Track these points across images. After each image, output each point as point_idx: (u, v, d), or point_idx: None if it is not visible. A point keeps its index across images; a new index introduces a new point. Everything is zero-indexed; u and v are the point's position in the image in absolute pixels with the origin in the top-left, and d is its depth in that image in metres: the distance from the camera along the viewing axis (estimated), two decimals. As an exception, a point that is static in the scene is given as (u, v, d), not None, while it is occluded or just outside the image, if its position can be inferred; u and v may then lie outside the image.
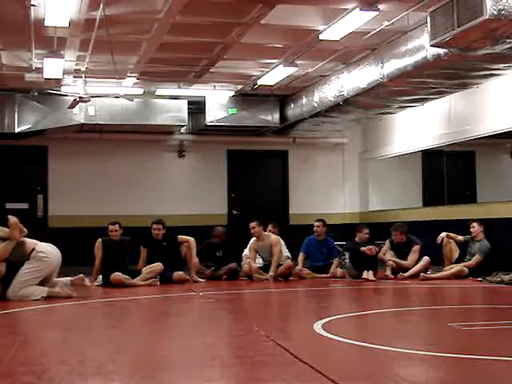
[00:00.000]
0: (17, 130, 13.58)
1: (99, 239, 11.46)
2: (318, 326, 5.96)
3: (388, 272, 11.49)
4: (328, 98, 12.65)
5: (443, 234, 11.55)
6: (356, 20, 9.06)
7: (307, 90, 13.54)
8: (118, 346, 5.48)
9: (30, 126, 13.68)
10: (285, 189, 16.04)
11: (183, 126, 14.73)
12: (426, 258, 11.57)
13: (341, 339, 5.41)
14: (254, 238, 11.91)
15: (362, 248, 11.37)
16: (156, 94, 13.96)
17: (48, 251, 9.00)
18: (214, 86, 13.69)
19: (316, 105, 13.19)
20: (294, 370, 4.34)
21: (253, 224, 11.75)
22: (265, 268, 11.67)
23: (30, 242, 8.98)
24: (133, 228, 12.05)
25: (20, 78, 12.56)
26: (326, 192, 16.00)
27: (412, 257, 11.67)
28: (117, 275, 10.78)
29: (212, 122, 14.39)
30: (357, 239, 11.57)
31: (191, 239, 11.60)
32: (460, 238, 11.55)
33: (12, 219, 8.94)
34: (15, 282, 8.71)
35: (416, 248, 11.72)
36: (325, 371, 4.14)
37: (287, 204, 15.97)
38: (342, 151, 16.17)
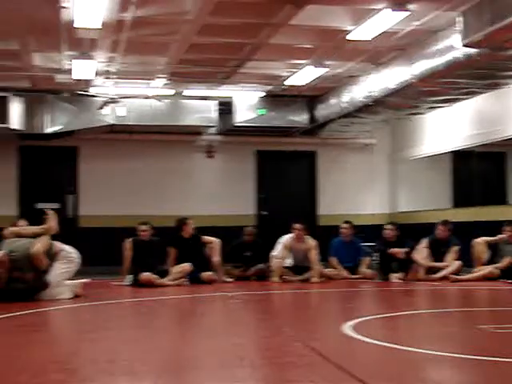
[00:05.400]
0: (48, 130, 13.71)
1: (129, 239, 11.53)
2: (346, 328, 5.95)
3: (420, 273, 11.40)
4: (357, 98, 12.61)
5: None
6: (386, 20, 9.02)
7: (336, 90, 13.50)
8: (148, 346, 5.50)
9: (60, 127, 13.80)
10: (313, 190, 16.01)
11: (212, 126, 14.76)
12: (458, 263, 11.46)
13: (370, 341, 5.40)
14: (289, 236, 11.87)
15: (391, 250, 11.33)
16: (185, 94, 14.01)
17: (74, 252, 9.13)
18: (243, 87, 13.71)
19: (345, 105, 13.15)
20: (323, 371, 4.34)
21: (299, 226, 11.72)
22: (295, 269, 11.68)
23: (57, 243, 9.09)
24: (161, 228, 12.09)
25: (51, 80, 12.68)
26: (354, 193, 15.93)
27: (450, 257, 11.57)
28: (146, 275, 10.84)
29: (241, 122, 14.41)
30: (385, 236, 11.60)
31: (215, 240, 11.63)
32: (493, 238, 11.42)
33: (51, 212, 9.17)
34: (53, 281, 8.76)
35: (455, 249, 11.62)
36: (354, 372, 4.14)
37: (315, 205, 15.95)
38: (370, 152, 16.10)
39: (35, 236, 8.94)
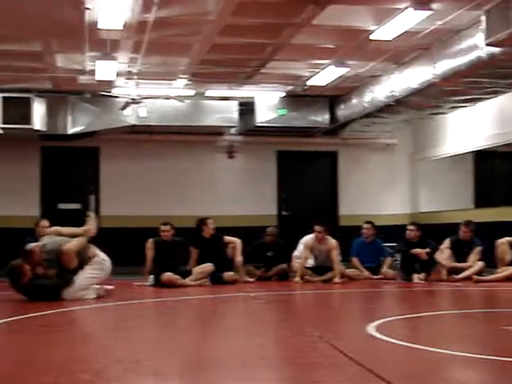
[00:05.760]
0: (70, 131, 13.78)
1: (150, 239, 11.57)
2: (370, 328, 5.93)
3: (442, 274, 11.34)
4: (379, 98, 12.55)
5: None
6: (408, 19, 8.97)
7: (358, 90, 13.46)
8: (171, 346, 5.52)
9: (82, 128, 13.87)
10: (334, 190, 15.97)
11: (233, 126, 14.77)
12: (481, 263, 11.39)
13: (394, 341, 5.38)
14: (310, 237, 11.86)
15: (413, 250, 11.29)
16: (206, 95, 14.03)
17: (107, 260, 9.16)
18: (264, 87, 13.70)
19: (367, 105, 13.10)
20: (348, 371, 4.33)
21: (320, 228, 11.70)
22: (317, 269, 11.66)
23: (94, 248, 9.12)
24: (182, 228, 12.11)
25: (73, 81, 12.75)
26: (375, 193, 15.88)
27: (473, 258, 11.51)
28: (168, 275, 10.86)
29: (262, 122, 14.40)
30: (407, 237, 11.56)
31: (237, 240, 11.64)
32: None
33: (91, 214, 9.29)
34: (79, 283, 8.81)
35: (478, 249, 11.56)
36: (379, 373, 4.12)
37: (337, 205, 15.91)
38: (392, 152, 16.03)
39: (74, 236, 8.99)
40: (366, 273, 12.03)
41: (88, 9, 8.65)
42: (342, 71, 11.88)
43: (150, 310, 8.79)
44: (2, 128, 13.03)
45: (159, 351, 5.22)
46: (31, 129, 13.14)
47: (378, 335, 5.62)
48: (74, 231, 9.09)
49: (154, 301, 9.49)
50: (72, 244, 8.76)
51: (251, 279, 11.67)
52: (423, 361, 4.75)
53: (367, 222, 12.62)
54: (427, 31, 9.82)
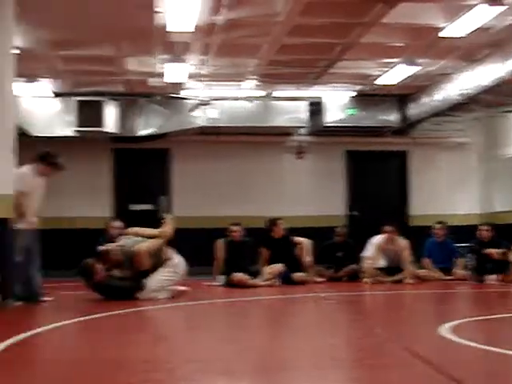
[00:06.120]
0: (141, 133, 14.00)
1: (220, 240, 11.64)
2: (442, 329, 5.85)
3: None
4: (450, 96, 12.37)
5: None
6: (480, 16, 8.82)
7: (428, 88, 13.28)
8: (242, 346, 5.54)
9: (153, 130, 14.07)
10: (404, 190, 15.80)
11: (302, 127, 14.76)
12: None
13: (467, 343, 5.29)
14: (380, 237, 11.77)
15: (486, 250, 11.08)
16: (275, 95, 14.05)
17: (182, 262, 9.24)
18: (333, 87, 13.65)
19: (437, 104, 12.93)
20: (419, 373, 4.28)
21: (390, 228, 11.63)
22: (387, 270, 11.56)
23: (170, 250, 9.22)
24: (251, 229, 12.14)
25: (144, 83, 12.94)
26: (447, 193, 15.63)
27: None
28: (238, 276, 10.92)
29: (331, 122, 14.36)
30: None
31: (306, 240, 11.62)
32: None
33: (169, 216, 9.44)
34: (150, 284, 8.94)
35: None
36: (451, 375, 4.05)
37: (407, 205, 15.74)
38: (463, 151, 15.77)
39: (151, 238, 9.11)
40: (438, 273, 11.87)
41: (158, 12, 8.78)
42: (412, 70, 11.75)
43: (220, 310, 8.85)
44: (76, 131, 13.33)
45: (230, 351, 5.25)
46: (103, 131, 13.40)
47: (450, 337, 5.53)
48: (152, 232, 9.19)
49: (225, 301, 9.55)
50: (144, 245, 8.86)
51: (321, 279, 11.65)
52: (497, 363, 4.67)
53: (439, 223, 12.45)
54: (499, 27, 9.63)
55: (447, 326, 6.03)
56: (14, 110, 8.69)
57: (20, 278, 8.34)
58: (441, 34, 9.69)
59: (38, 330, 6.40)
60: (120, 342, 5.75)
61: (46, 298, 8.69)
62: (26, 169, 8.63)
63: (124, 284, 8.81)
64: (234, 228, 11.68)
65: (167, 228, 9.23)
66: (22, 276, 8.38)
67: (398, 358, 4.73)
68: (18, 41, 9.28)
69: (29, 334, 6.00)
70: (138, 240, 8.98)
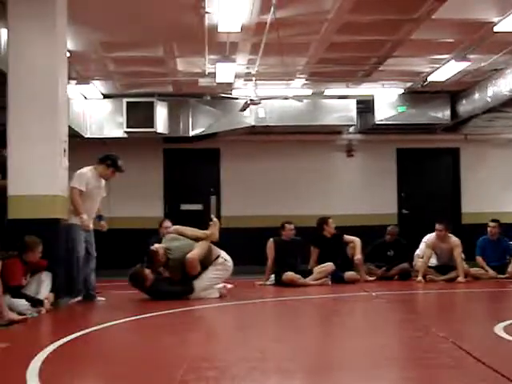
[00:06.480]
0: (191, 133, 14.09)
1: (271, 239, 11.62)
2: (497, 328, 5.76)
3: None
4: (502, 92, 12.15)
5: None
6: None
7: (480, 84, 13.08)
8: (295, 345, 5.53)
9: (203, 130, 14.15)
10: (456, 187, 15.62)
11: (352, 125, 14.68)
12: None
13: (524, 343, 5.21)
14: (432, 235, 11.65)
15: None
16: (324, 94, 14.00)
17: (230, 261, 9.26)
18: (383, 84, 13.55)
19: (489, 100, 12.71)
20: (475, 372, 4.23)
21: (441, 226, 11.50)
22: (439, 269, 11.43)
23: (216, 249, 9.26)
24: (301, 228, 12.11)
25: (194, 84, 13.02)
26: (500, 190, 15.40)
27: None
28: (289, 275, 10.91)
29: (381, 120, 14.25)
30: None
31: (356, 239, 11.55)
32: None
33: (215, 219, 9.42)
34: (201, 284, 8.97)
35: None
36: (508, 375, 3.99)
37: (459, 203, 15.55)
38: (517, 147, 15.53)
39: (196, 239, 9.15)
40: (491, 272, 11.69)
41: (208, 13, 8.82)
42: (463, 66, 11.58)
43: (271, 309, 8.86)
44: (127, 132, 13.48)
45: (283, 350, 5.25)
46: (154, 132, 13.52)
47: (506, 336, 5.45)
48: (196, 234, 9.21)
49: (276, 300, 9.55)
50: (196, 253, 8.87)
51: (372, 278, 11.58)
52: (556, 363, 4.58)
53: (493, 220, 12.26)
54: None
55: (502, 325, 5.94)
56: (66, 112, 8.83)
57: (76, 276, 8.49)
58: (495, 29, 9.50)
59: (92, 328, 6.48)
60: (172, 341, 5.79)
61: (98, 298, 8.81)
62: (87, 169, 8.80)
63: (175, 289, 8.86)
64: (289, 226, 11.61)
65: (213, 231, 9.23)
66: (77, 274, 8.52)
67: (454, 358, 4.67)
68: (70, 43, 9.42)
69: (83, 332, 6.09)
70: (187, 245, 8.98)
